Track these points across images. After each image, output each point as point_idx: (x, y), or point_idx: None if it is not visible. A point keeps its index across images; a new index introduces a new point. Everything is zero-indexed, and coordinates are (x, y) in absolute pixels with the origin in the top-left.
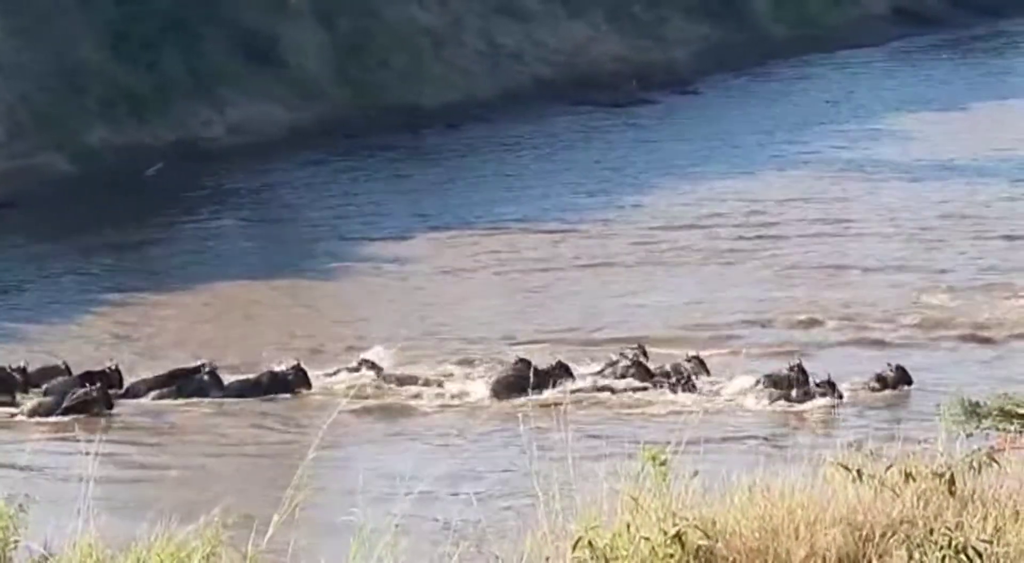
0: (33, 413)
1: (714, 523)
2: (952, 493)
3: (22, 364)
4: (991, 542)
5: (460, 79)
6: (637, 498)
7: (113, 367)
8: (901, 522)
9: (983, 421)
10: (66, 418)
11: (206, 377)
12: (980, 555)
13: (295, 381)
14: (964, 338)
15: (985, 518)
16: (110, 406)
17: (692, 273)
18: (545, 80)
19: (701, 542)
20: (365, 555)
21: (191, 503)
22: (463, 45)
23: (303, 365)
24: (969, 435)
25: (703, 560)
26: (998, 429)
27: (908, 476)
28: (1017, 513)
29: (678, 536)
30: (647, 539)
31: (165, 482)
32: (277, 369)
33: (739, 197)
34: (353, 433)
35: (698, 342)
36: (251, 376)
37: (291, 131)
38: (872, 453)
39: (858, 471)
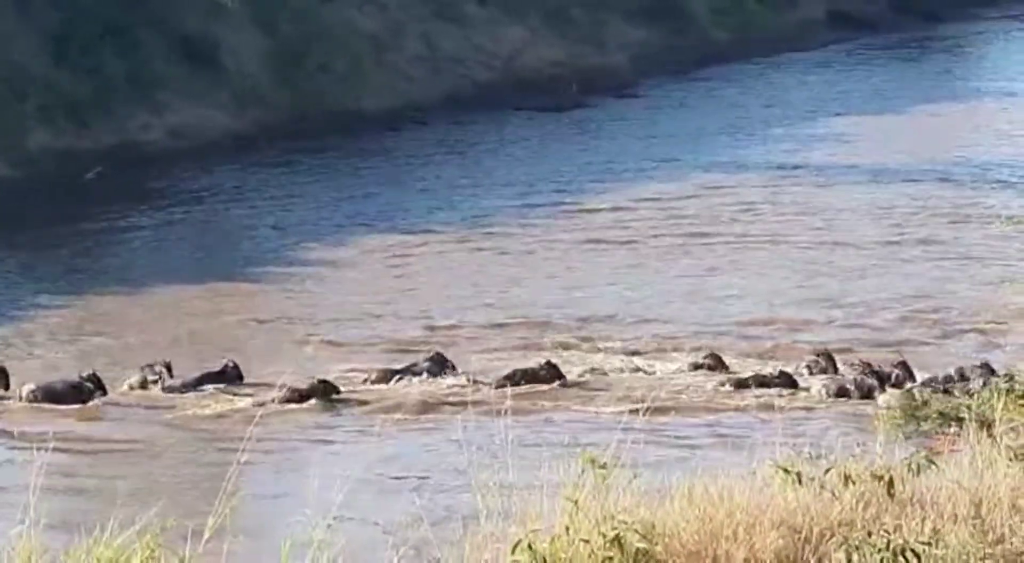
0: None
1: (653, 526)
2: (891, 495)
3: None
4: (929, 544)
5: (400, 83)
6: (577, 501)
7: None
8: (840, 524)
9: (923, 423)
10: None
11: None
12: (918, 557)
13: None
14: None
15: (924, 520)
16: None
17: (627, 275)
18: (485, 84)
19: (640, 545)
20: (298, 556)
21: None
22: (403, 50)
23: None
24: (908, 437)
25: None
26: (937, 431)
27: (847, 478)
28: (955, 515)
29: (617, 539)
30: (586, 542)
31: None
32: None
33: (676, 200)
34: (294, 434)
35: (627, 342)
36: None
37: (231, 135)
38: (811, 456)
39: (797, 474)
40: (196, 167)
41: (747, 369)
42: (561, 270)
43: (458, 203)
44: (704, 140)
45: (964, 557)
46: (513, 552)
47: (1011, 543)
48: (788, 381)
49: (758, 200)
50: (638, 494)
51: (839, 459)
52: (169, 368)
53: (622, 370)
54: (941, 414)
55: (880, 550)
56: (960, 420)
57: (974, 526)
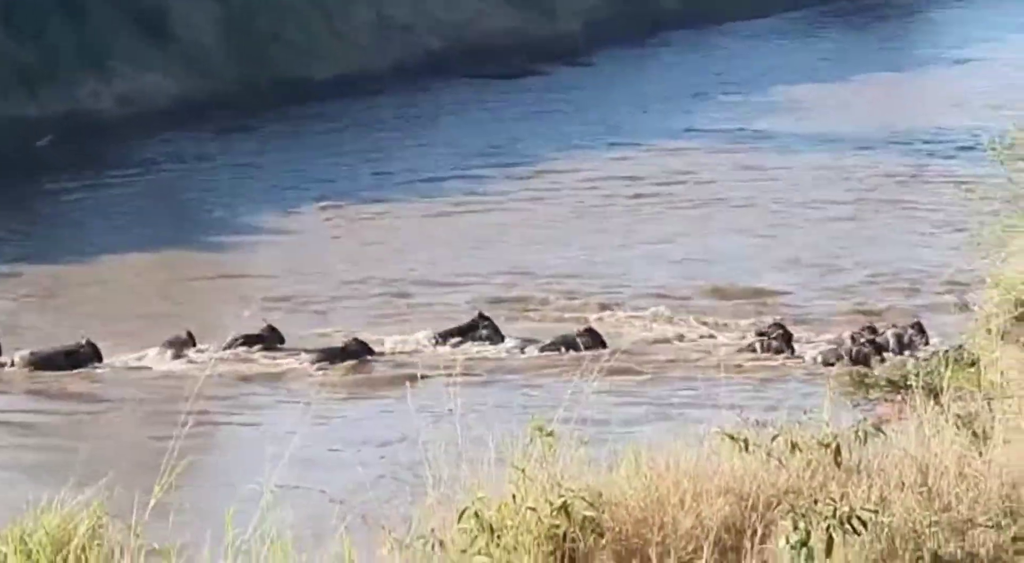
0: None
1: (600, 494)
2: (838, 463)
3: None
4: (876, 511)
5: (351, 52)
6: (524, 469)
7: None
8: (787, 492)
9: (871, 391)
10: None
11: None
12: (865, 525)
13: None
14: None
15: (870, 488)
16: None
17: (577, 241)
18: (436, 53)
19: (587, 513)
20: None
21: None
22: (354, 18)
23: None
24: (856, 405)
25: (589, 531)
26: (885, 399)
27: (794, 446)
28: (902, 483)
29: (564, 507)
30: (533, 510)
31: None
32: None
33: (626, 167)
34: (241, 402)
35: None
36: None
37: (181, 103)
38: (758, 423)
39: (744, 441)
40: (147, 135)
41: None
42: (518, 234)
43: (410, 170)
44: (657, 107)
45: (911, 524)
46: (460, 520)
47: (958, 511)
48: (787, 343)
49: (712, 166)
50: (585, 462)
51: (785, 426)
52: (192, 336)
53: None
54: (889, 382)
55: (827, 518)
56: (908, 388)
57: (921, 494)
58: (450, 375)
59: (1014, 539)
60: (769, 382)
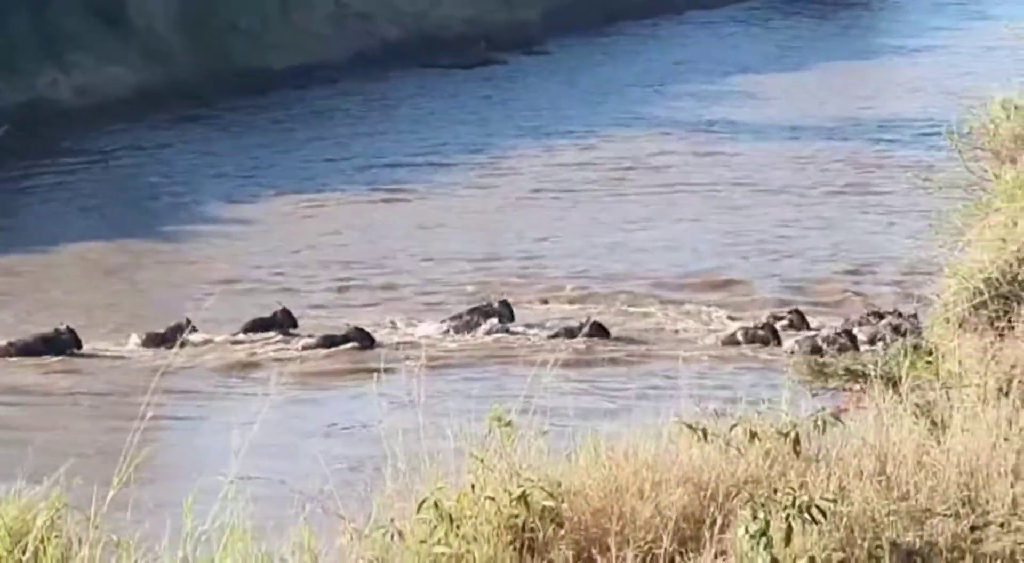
0: None
1: (559, 484)
2: (797, 452)
3: None
4: (835, 501)
5: (308, 41)
6: (483, 458)
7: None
8: (746, 481)
9: (829, 381)
10: None
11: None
12: (824, 514)
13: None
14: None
15: (829, 477)
16: None
17: (536, 229)
18: (393, 42)
19: (546, 502)
20: (202, 514)
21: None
22: (311, 7)
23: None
24: (815, 394)
25: (548, 520)
26: (844, 388)
27: (753, 435)
28: (861, 472)
29: (523, 496)
30: (492, 499)
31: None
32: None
33: (585, 156)
34: (207, 391)
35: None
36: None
37: (139, 93)
38: (717, 412)
39: (703, 430)
40: (105, 125)
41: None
42: (477, 222)
43: (368, 159)
44: (615, 96)
45: (869, 513)
46: (419, 510)
47: (916, 499)
48: (773, 335)
49: (671, 155)
50: (545, 451)
51: (744, 416)
52: (190, 323)
53: None
54: (848, 371)
55: (786, 507)
56: (867, 377)
57: (879, 483)
58: (407, 360)
59: (972, 528)
60: (748, 371)
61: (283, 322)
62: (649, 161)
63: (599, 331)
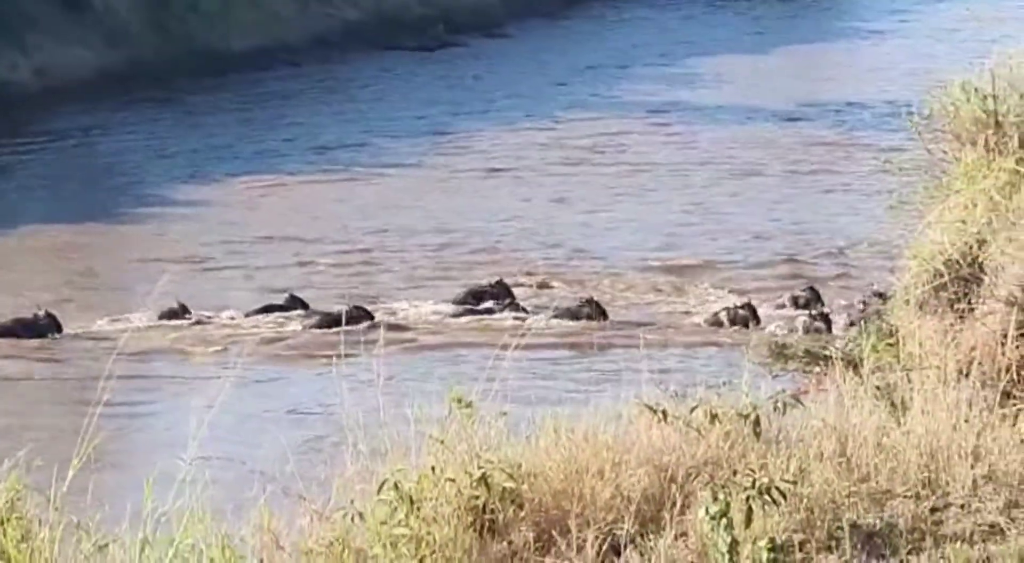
0: None
1: (520, 465)
2: (757, 434)
3: None
4: (795, 482)
5: (269, 24)
6: (443, 440)
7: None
8: (706, 463)
9: (789, 363)
10: None
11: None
12: (784, 495)
13: None
14: None
15: (789, 458)
16: None
17: (501, 210)
18: (354, 24)
19: (506, 484)
20: (162, 496)
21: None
22: None
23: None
24: (775, 376)
25: (508, 502)
26: (804, 371)
27: (713, 417)
28: (821, 454)
29: (483, 478)
30: (452, 481)
31: None
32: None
33: (544, 139)
34: (157, 376)
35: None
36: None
37: (99, 75)
38: (677, 394)
39: (663, 412)
40: (65, 107)
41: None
42: (439, 203)
43: (328, 141)
44: (577, 79)
45: (829, 495)
46: (379, 492)
47: (876, 481)
48: (754, 315)
49: (633, 137)
50: (505, 433)
51: (704, 397)
52: (184, 307)
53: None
54: (808, 353)
55: (746, 488)
56: (827, 359)
57: (840, 464)
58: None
59: (932, 510)
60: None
61: (293, 307)
62: (610, 142)
63: (599, 312)
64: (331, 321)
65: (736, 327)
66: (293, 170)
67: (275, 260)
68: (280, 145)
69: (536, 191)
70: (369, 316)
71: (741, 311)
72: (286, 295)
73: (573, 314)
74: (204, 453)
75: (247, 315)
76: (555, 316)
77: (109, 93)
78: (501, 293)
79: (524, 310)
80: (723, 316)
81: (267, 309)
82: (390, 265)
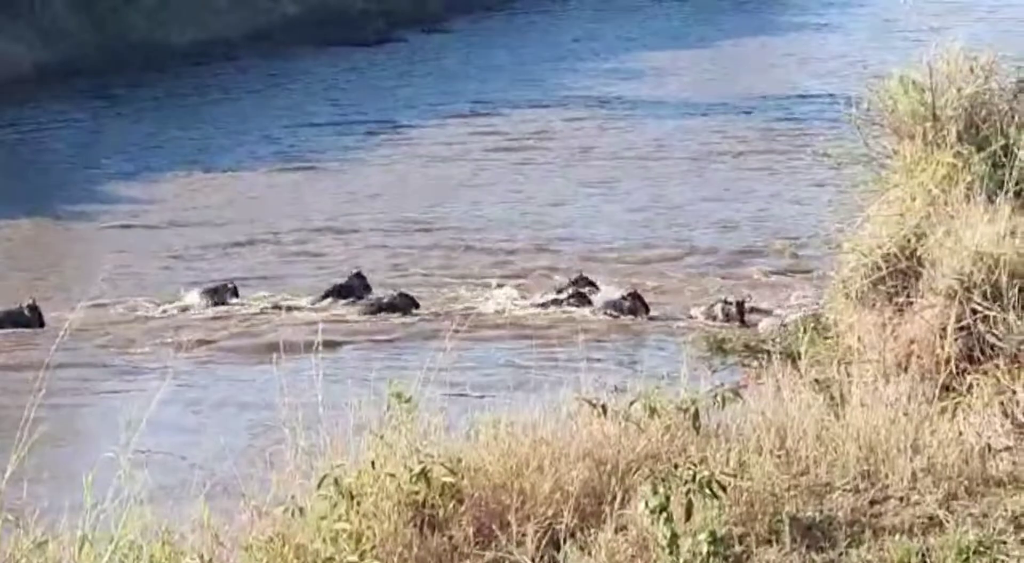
0: None
1: (460, 460)
2: (696, 428)
3: None
4: (735, 475)
5: (208, 17)
6: (383, 435)
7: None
8: (646, 457)
9: (728, 357)
10: None
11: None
12: (724, 489)
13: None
14: None
15: (729, 452)
16: None
17: (441, 202)
18: (294, 19)
19: (446, 479)
20: (102, 492)
21: None
22: None
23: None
24: (714, 371)
25: (448, 496)
26: (743, 364)
27: (653, 411)
28: (761, 447)
29: (423, 473)
30: (392, 476)
31: None
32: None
33: (481, 133)
34: (98, 370)
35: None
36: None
37: (36, 71)
38: (617, 388)
39: (603, 406)
40: (4, 103)
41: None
42: (381, 198)
43: (266, 136)
44: (517, 74)
45: (769, 488)
46: (319, 487)
47: (816, 474)
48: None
49: (572, 131)
50: (444, 428)
51: (644, 391)
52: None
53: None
54: (747, 347)
55: (686, 482)
56: (766, 353)
57: (779, 457)
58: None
59: (872, 502)
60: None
61: (358, 286)
62: (549, 138)
63: (641, 304)
64: (381, 307)
65: (730, 322)
66: (232, 163)
67: (212, 251)
68: (220, 139)
69: (468, 182)
70: (415, 304)
71: (731, 307)
72: (353, 271)
73: (618, 307)
74: (144, 447)
75: (320, 299)
76: (603, 310)
77: (46, 89)
78: (582, 284)
79: (589, 301)
80: (718, 310)
81: (334, 292)
82: (332, 255)
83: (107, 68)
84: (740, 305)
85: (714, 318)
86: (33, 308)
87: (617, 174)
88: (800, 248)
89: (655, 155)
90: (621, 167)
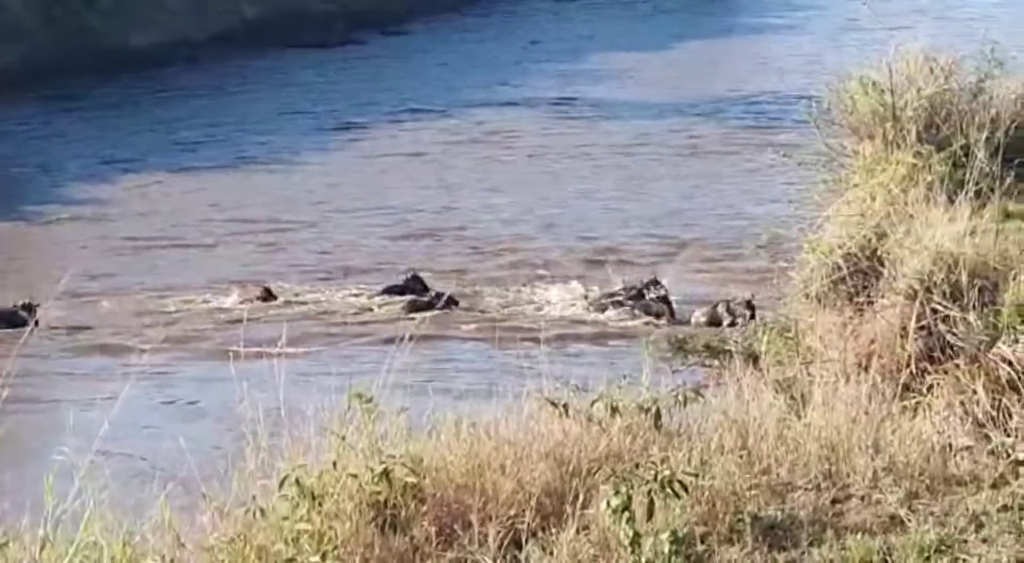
0: None
1: (422, 460)
2: (658, 427)
3: None
4: (697, 475)
5: (167, 19)
6: (344, 436)
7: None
8: (608, 456)
9: (689, 357)
10: None
11: None
12: (686, 488)
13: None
14: None
15: (691, 451)
16: None
17: (387, 206)
18: (253, 21)
19: (408, 479)
20: (63, 493)
21: None
22: None
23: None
24: (675, 371)
25: (410, 497)
26: (704, 365)
27: (614, 410)
28: (722, 446)
29: (385, 473)
30: (354, 476)
31: None
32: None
33: (443, 134)
34: (63, 370)
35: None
36: None
37: None
38: (579, 388)
39: (564, 406)
40: None
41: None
42: (347, 198)
43: (223, 139)
44: (474, 76)
45: (731, 487)
46: (280, 487)
47: (777, 473)
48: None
49: (530, 133)
50: (406, 428)
51: (605, 391)
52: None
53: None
54: (708, 347)
55: (648, 481)
56: (727, 353)
57: (741, 457)
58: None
59: (833, 501)
60: None
61: (415, 287)
62: (507, 139)
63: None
64: (418, 305)
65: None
66: (192, 164)
67: (174, 252)
68: (179, 140)
69: (426, 183)
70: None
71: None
72: (408, 274)
73: (647, 309)
74: (104, 448)
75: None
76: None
77: (4, 92)
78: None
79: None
80: (721, 310)
81: (390, 290)
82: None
83: (66, 70)
84: (749, 303)
85: (718, 324)
86: (28, 307)
87: (585, 172)
88: (769, 247)
89: (608, 157)
90: (582, 166)
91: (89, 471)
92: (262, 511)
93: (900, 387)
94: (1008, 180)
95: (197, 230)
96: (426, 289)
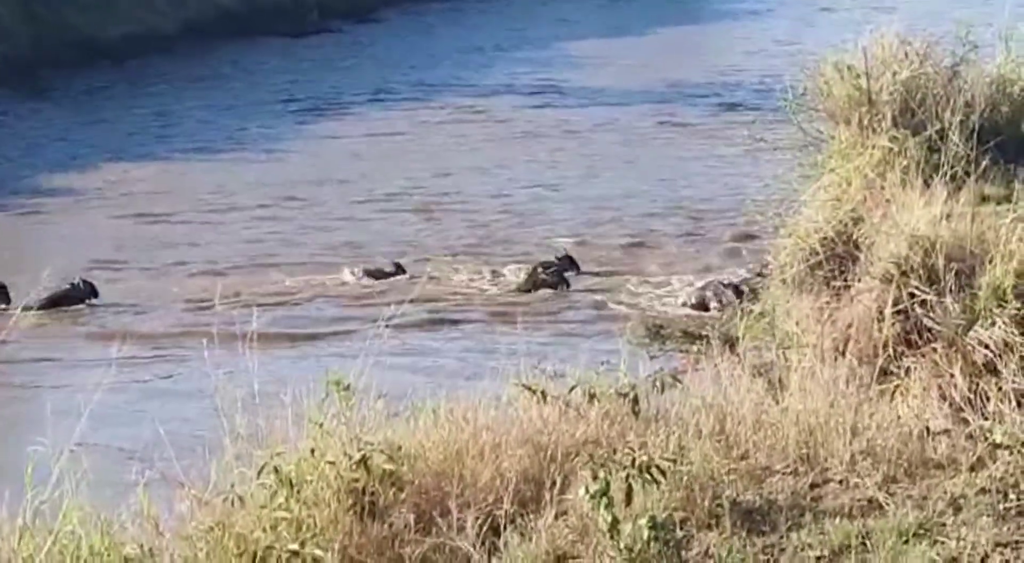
0: None
1: (400, 447)
2: (636, 413)
3: None
4: (675, 460)
5: (141, 10)
6: (322, 423)
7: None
8: (586, 442)
9: (667, 343)
10: None
11: None
12: (664, 473)
13: None
14: None
15: (669, 436)
16: None
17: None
18: (228, 10)
19: (386, 466)
20: (42, 481)
21: None
22: None
23: None
24: (653, 357)
25: (389, 484)
26: (682, 351)
27: (592, 396)
28: (700, 431)
29: (363, 460)
30: (332, 464)
31: None
32: None
33: (417, 121)
34: (39, 356)
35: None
36: None
37: None
38: (556, 373)
39: (542, 392)
40: None
41: None
42: (333, 184)
43: (198, 129)
44: (447, 62)
45: (709, 472)
46: (259, 475)
47: (755, 458)
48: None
49: (506, 120)
50: (384, 415)
51: (583, 377)
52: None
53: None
54: (685, 333)
55: (626, 467)
56: (704, 339)
57: (719, 442)
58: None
59: (811, 485)
60: None
61: (565, 266)
62: (481, 127)
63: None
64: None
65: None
66: (169, 156)
67: (155, 252)
68: (156, 132)
69: (401, 173)
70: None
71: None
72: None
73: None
74: (82, 438)
75: (528, 276)
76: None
77: None
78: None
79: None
80: (709, 295)
81: (545, 266)
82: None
83: (40, 62)
84: (735, 286)
85: (706, 308)
86: (86, 283)
87: (558, 157)
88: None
89: (579, 149)
90: (543, 162)
91: (67, 461)
92: (241, 499)
93: (877, 371)
94: (984, 163)
95: (171, 218)
96: (577, 268)
